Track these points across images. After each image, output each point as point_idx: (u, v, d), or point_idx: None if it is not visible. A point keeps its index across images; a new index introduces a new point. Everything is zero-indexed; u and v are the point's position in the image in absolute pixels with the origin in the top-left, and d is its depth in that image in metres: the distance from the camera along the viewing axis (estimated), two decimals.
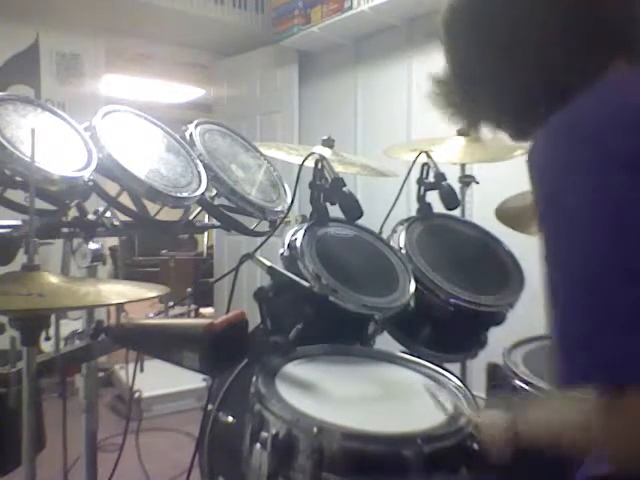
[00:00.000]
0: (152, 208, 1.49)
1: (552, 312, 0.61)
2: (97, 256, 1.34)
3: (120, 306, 1.60)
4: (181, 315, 1.88)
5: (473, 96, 0.82)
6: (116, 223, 1.39)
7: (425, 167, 1.73)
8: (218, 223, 1.61)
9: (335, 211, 1.45)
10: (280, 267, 1.28)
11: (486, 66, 0.79)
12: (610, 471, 0.65)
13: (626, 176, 0.58)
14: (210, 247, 4.68)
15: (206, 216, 1.67)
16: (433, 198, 1.70)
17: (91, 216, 1.34)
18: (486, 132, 0.85)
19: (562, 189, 0.62)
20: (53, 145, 1.25)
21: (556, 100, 0.67)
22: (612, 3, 0.72)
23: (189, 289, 1.98)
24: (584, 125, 0.63)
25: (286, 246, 1.34)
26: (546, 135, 0.66)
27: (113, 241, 3.22)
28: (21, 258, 1.06)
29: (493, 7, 0.76)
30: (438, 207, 1.70)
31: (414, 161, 1.75)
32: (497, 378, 1.26)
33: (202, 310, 4.63)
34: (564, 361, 0.59)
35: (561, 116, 0.65)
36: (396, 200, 1.76)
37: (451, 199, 1.66)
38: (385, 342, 1.41)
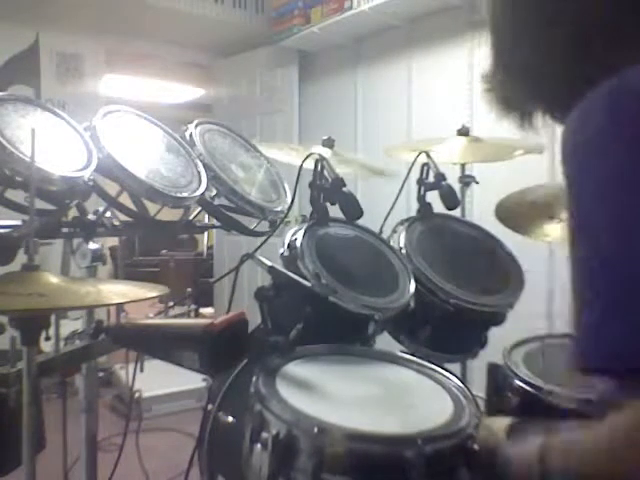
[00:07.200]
0: (152, 208, 1.49)
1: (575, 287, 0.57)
2: (97, 256, 1.34)
3: (120, 306, 1.60)
4: (181, 315, 1.88)
5: (520, 76, 0.77)
6: (116, 223, 1.40)
7: (425, 167, 1.72)
8: (218, 223, 1.61)
9: (335, 211, 1.45)
10: (280, 267, 1.28)
11: (530, 37, 0.74)
12: None
13: None
14: (210, 247, 4.69)
15: (206, 216, 1.67)
16: (433, 198, 1.70)
17: (91, 216, 1.34)
18: (540, 124, 0.81)
19: (597, 156, 0.58)
20: (53, 145, 1.25)
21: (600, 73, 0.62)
22: None
23: (189, 289, 1.98)
24: (625, 99, 0.59)
25: (286, 246, 1.34)
26: (587, 107, 0.61)
27: (113, 241, 3.22)
28: (21, 258, 1.06)
29: None
30: (438, 207, 1.70)
31: (414, 161, 1.75)
32: (497, 378, 1.26)
33: (202, 310, 4.63)
34: (584, 339, 0.55)
35: (602, 89, 0.61)
36: (396, 200, 1.76)
37: (451, 199, 1.66)
38: (385, 342, 1.41)
